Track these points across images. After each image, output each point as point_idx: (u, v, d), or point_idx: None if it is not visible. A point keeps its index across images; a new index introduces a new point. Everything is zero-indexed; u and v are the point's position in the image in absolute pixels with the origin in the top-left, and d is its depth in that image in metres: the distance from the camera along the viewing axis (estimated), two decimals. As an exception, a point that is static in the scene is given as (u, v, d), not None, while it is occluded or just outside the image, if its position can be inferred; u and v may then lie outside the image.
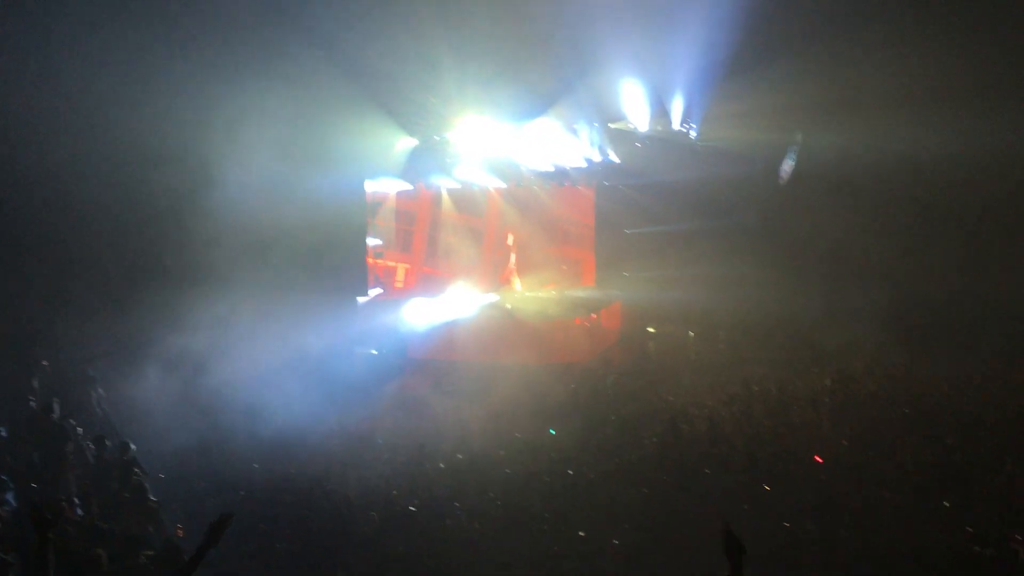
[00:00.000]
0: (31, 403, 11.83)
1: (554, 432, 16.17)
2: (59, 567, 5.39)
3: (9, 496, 8.50)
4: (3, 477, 8.78)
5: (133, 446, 10.73)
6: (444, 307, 26.54)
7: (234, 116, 17.77)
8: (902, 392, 17.73)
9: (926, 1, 19.60)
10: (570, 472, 13.06)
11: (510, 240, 29.13)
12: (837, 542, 9.73)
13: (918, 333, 23.18)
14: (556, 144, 24.44)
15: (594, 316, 27.88)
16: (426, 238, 27.86)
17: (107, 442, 10.69)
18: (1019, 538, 8.58)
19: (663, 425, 15.65)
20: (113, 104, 16.43)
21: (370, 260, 25.29)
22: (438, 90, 21.13)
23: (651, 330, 27.91)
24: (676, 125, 23.83)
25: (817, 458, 12.91)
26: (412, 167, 24.56)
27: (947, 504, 10.48)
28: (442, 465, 13.97)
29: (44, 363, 14.83)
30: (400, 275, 27.36)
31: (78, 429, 11.89)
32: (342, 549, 9.91)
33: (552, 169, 25.65)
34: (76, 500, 8.85)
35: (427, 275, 28.13)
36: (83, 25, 16.18)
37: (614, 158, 24.77)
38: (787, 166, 25.68)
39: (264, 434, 14.74)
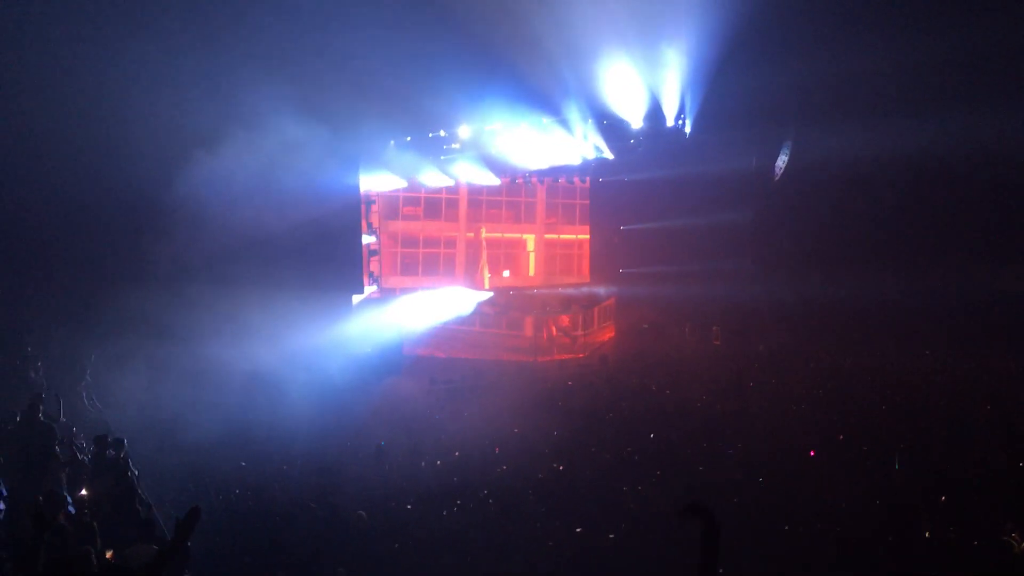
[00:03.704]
0: (24, 400, 11.74)
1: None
2: (49, 563, 5.35)
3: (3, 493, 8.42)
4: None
5: (126, 445, 10.66)
6: (438, 304, 26.51)
7: (227, 112, 17.68)
8: (893, 387, 17.79)
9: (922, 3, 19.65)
10: (560, 468, 13.04)
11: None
12: (829, 538, 9.74)
13: (912, 330, 23.26)
14: (550, 141, 24.37)
15: (589, 312, 27.91)
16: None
17: (108, 439, 10.61)
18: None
19: (659, 421, 15.65)
20: (104, 99, 16.35)
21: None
22: (432, 87, 21.05)
23: (646, 326, 27.96)
24: (670, 122, 23.76)
25: (812, 453, 12.95)
26: (405, 163, 24.51)
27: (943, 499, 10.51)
28: (438, 462, 13.93)
29: (39, 364, 14.77)
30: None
31: (72, 428, 11.82)
32: (335, 546, 9.86)
33: (546, 166, 25.59)
34: (68, 497, 8.77)
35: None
36: (75, 24, 16.12)
37: (608, 155, 24.71)
38: (780, 163, 25.70)
39: (256, 432, 14.67)
